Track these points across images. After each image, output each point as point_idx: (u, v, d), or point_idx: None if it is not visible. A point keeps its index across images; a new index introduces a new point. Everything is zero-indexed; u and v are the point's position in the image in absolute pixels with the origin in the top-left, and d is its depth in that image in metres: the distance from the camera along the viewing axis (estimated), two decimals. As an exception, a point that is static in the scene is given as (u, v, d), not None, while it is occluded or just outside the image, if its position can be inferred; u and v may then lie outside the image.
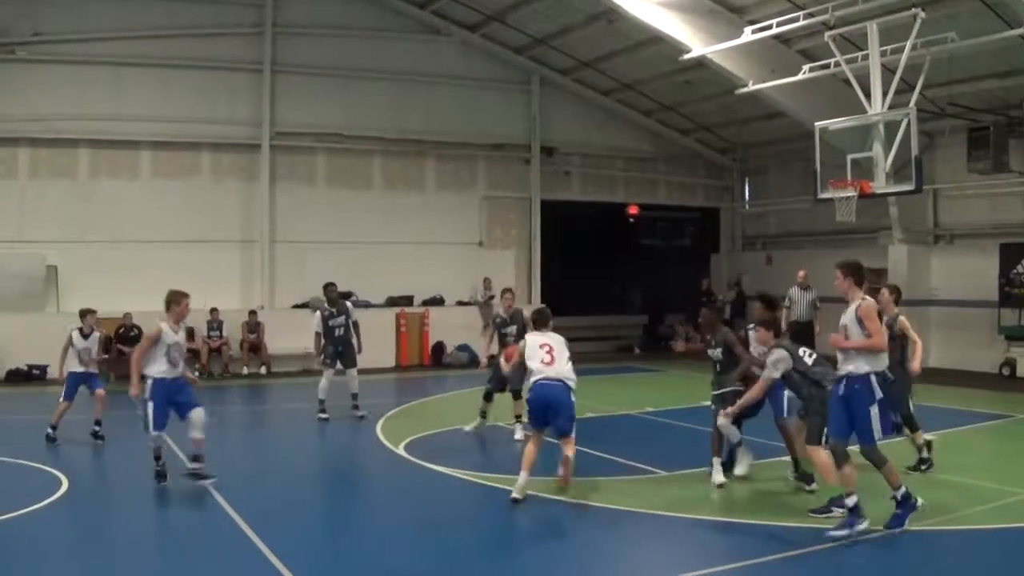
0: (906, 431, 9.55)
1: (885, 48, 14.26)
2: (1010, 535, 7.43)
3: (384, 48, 21.48)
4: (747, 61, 17.69)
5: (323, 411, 13.22)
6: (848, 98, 15.15)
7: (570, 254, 24.73)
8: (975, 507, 8.13)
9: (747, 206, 25.93)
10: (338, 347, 13.51)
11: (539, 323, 9.26)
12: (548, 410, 8.62)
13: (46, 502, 8.37)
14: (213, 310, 19.03)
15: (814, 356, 8.30)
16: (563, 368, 8.73)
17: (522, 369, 9.22)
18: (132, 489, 9.03)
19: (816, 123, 15.38)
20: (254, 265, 20.37)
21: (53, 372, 12.69)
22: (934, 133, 18.85)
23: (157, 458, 8.98)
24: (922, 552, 6.92)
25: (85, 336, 11.62)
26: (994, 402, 14.68)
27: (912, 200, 18.01)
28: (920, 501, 7.24)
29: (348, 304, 13.97)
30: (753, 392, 8.34)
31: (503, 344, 11.75)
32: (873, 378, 7.10)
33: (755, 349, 9.15)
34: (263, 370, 19.48)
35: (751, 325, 9.56)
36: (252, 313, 19.59)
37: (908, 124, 13.68)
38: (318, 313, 13.72)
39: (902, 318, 9.71)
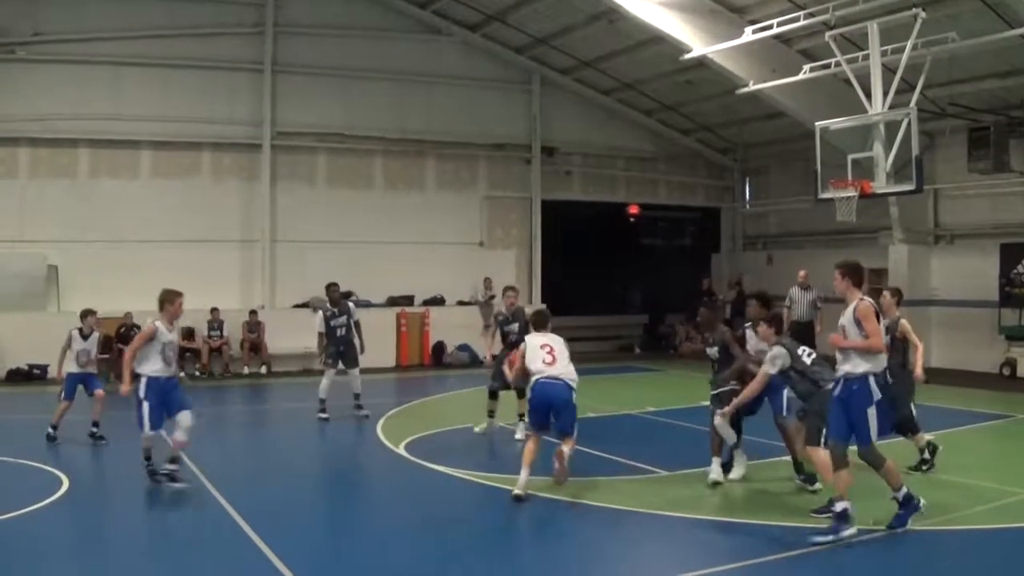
0: (909, 435, 9.54)
1: (886, 48, 14.25)
2: (1010, 535, 7.42)
3: (385, 48, 21.48)
4: (748, 61, 17.69)
5: (323, 411, 13.20)
6: (849, 98, 15.15)
7: (571, 254, 24.75)
8: (975, 507, 8.13)
9: (748, 206, 25.92)
10: (340, 347, 13.50)
11: (538, 324, 9.40)
12: (550, 408, 8.72)
13: (47, 502, 8.37)
14: (214, 310, 19.05)
15: (813, 356, 8.30)
16: (565, 368, 8.82)
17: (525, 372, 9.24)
18: (132, 489, 9.01)
19: (817, 123, 15.37)
20: (255, 265, 20.37)
21: (53, 372, 12.65)
22: (935, 133, 18.84)
23: (148, 458, 8.91)
24: (922, 552, 6.92)
25: (85, 337, 11.61)
26: (995, 402, 14.67)
27: (913, 200, 18.01)
28: (922, 502, 7.20)
29: (350, 304, 13.95)
30: (750, 388, 8.33)
31: (506, 341, 11.81)
32: (871, 379, 7.06)
33: (752, 347, 9.16)
34: (263, 370, 19.49)
35: (748, 323, 9.56)
36: (253, 313, 19.59)
37: (909, 124, 13.68)
38: (320, 313, 13.70)
39: (903, 321, 9.70)
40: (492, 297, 21.21)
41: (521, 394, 11.31)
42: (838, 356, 7.27)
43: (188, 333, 19.00)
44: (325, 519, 8.48)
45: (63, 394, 11.44)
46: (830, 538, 6.92)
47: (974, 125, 17.86)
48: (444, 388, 17.88)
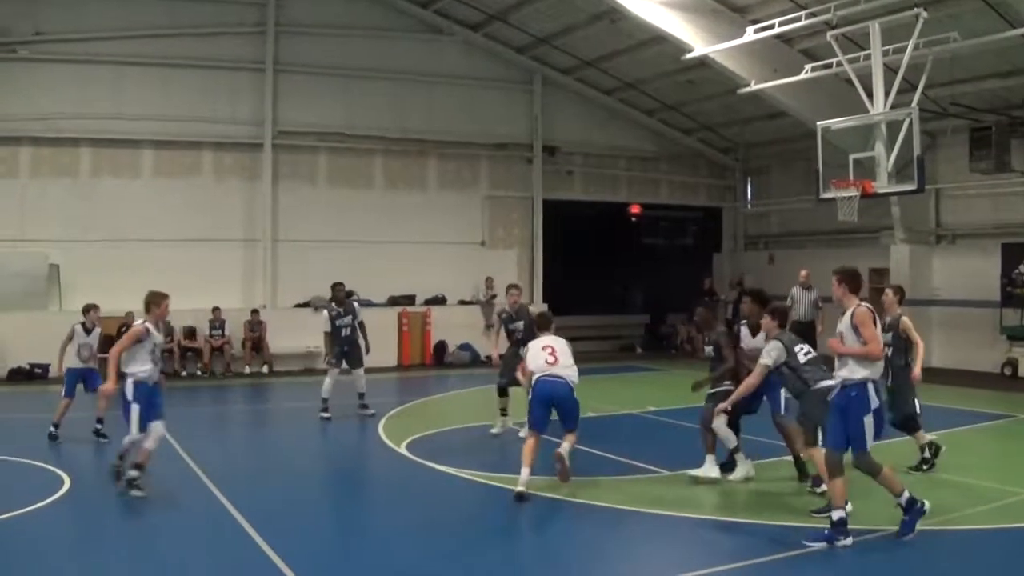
0: (912, 433, 9.55)
1: (887, 48, 14.24)
2: (1011, 535, 7.42)
3: (386, 47, 21.49)
4: (749, 61, 17.69)
5: (325, 410, 13.19)
6: (850, 98, 15.14)
7: (572, 254, 24.73)
8: (976, 507, 8.13)
9: (749, 206, 25.92)
10: (344, 347, 13.49)
11: (541, 326, 9.61)
12: (552, 406, 8.85)
13: (48, 501, 8.37)
14: (215, 309, 19.07)
15: (810, 355, 8.25)
16: (566, 368, 8.94)
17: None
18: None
19: (818, 123, 15.37)
20: (256, 264, 20.39)
21: (54, 367, 12.61)
22: (936, 133, 18.83)
23: (121, 457, 8.81)
24: (922, 552, 6.91)
25: (88, 331, 11.65)
26: (996, 402, 14.66)
27: (914, 200, 18.00)
28: (927, 504, 7.11)
29: (355, 304, 13.92)
30: (747, 382, 8.30)
31: (511, 339, 11.87)
32: (870, 386, 6.98)
33: (747, 345, 9.16)
34: (265, 369, 19.49)
35: (743, 321, 9.57)
36: (254, 312, 19.59)
37: (910, 124, 13.67)
38: (325, 312, 13.68)
39: (904, 318, 9.70)
40: (493, 296, 21.24)
41: None
42: (836, 361, 7.23)
43: (190, 332, 19.06)
44: (326, 518, 8.47)
45: (64, 391, 11.44)
46: (822, 545, 6.90)
47: (976, 125, 17.84)
48: (445, 388, 17.89)
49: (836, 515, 6.98)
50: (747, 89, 17.91)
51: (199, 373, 18.84)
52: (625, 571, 6.77)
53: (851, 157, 14.47)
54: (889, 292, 10.03)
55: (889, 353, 9.21)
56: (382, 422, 12.82)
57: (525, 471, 8.45)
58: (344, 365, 13.52)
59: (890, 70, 14.32)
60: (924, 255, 19.83)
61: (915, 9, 13.59)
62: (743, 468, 9.13)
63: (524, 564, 7.15)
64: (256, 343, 19.48)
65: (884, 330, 9.36)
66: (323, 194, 21.06)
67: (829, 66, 15.83)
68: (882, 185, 14.21)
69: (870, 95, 14.44)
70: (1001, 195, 18.45)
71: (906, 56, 13.94)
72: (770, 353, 8.16)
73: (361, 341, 13.60)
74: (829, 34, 14.97)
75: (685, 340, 23.78)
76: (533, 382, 8.97)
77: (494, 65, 22.71)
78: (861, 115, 14.52)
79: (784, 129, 21.38)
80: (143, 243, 18.81)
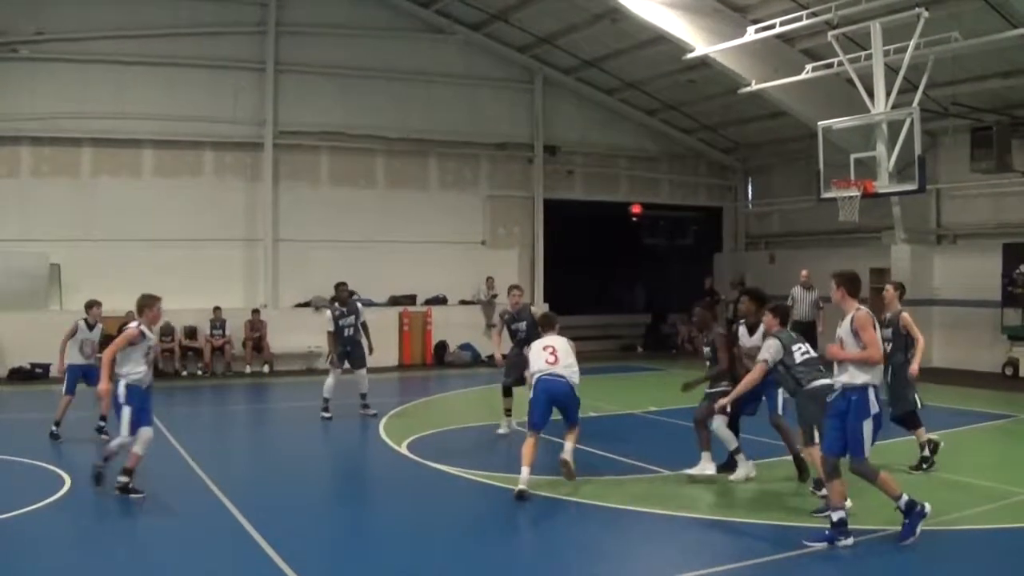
0: (911, 429, 9.55)
1: (888, 48, 14.24)
2: (1012, 535, 7.41)
3: (387, 47, 21.49)
4: (750, 60, 17.69)
5: (326, 410, 13.17)
6: (851, 98, 15.15)
7: (573, 253, 24.73)
8: (977, 507, 8.12)
9: (750, 205, 25.92)
10: (347, 347, 13.46)
11: (545, 326, 9.65)
12: (552, 404, 8.93)
13: (48, 501, 8.37)
14: (216, 309, 19.08)
15: (807, 356, 8.22)
16: (566, 368, 9.00)
17: None
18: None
19: (819, 123, 15.38)
20: (257, 264, 20.40)
21: (55, 365, 12.56)
22: (937, 133, 18.82)
23: (105, 459, 8.78)
24: (923, 552, 6.90)
25: (90, 327, 11.67)
26: (997, 402, 14.65)
27: (915, 200, 17.99)
28: (927, 507, 7.05)
29: (359, 304, 13.88)
30: (752, 376, 8.28)
31: (514, 340, 11.87)
32: (871, 391, 6.94)
33: (745, 344, 9.16)
34: (266, 369, 19.50)
35: (741, 320, 9.57)
36: (255, 312, 19.60)
37: (911, 124, 13.68)
38: (329, 312, 13.66)
39: (905, 314, 9.71)
40: (494, 296, 21.23)
41: None
42: (835, 367, 7.20)
43: (191, 332, 19.06)
44: (327, 518, 8.45)
45: (65, 388, 11.44)
46: (824, 545, 6.90)
47: (977, 125, 17.84)
48: (446, 387, 17.89)
49: (836, 516, 6.98)
50: (748, 89, 17.91)
51: (200, 373, 18.85)
52: (625, 571, 6.76)
53: (852, 157, 14.48)
54: (890, 288, 10.06)
55: (888, 348, 9.22)
56: (383, 422, 12.82)
57: (525, 470, 8.46)
58: (346, 365, 13.51)
59: (891, 70, 14.32)
60: (925, 255, 19.81)
61: (916, 9, 13.59)
62: (744, 468, 9.12)
63: (524, 564, 7.14)
64: (257, 343, 19.47)
65: (884, 325, 9.40)
66: (324, 194, 21.07)
67: (830, 66, 15.83)
68: (883, 185, 14.22)
69: (871, 95, 14.45)
70: (1002, 195, 18.45)
71: (907, 56, 13.94)
72: (768, 349, 8.17)
73: (364, 341, 13.58)
74: (830, 34, 14.97)
75: (686, 340, 23.71)
76: (534, 381, 9.03)
77: (495, 65, 22.71)
78: (862, 115, 14.53)
79: (785, 129, 21.36)
80: (144, 243, 18.82)
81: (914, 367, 9.49)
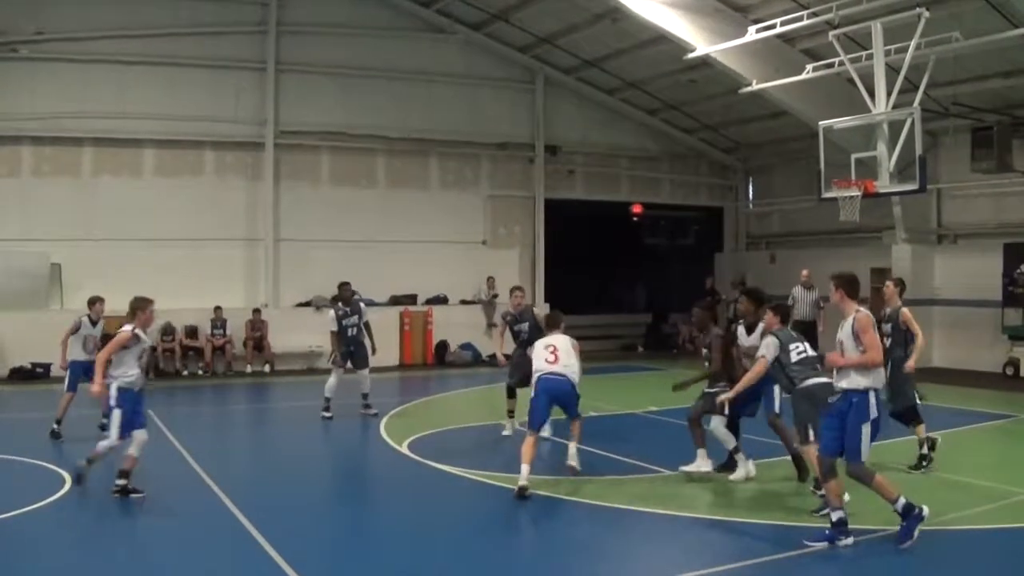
0: (911, 425, 9.56)
1: (889, 47, 14.23)
2: (1012, 535, 7.42)
3: (388, 47, 21.49)
4: (751, 60, 17.68)
5: (327, 409, 13.17)
6: (852, 97, 15.15)
7: (574, 253, 24.73)
8: (977, 507, 8.12)
9: (751, 205, 25.91)
10: (350, 347, 13.44)
11: (550, 325, 9.77)
12: (553, 403, 9.05)
13: (48, 500, 8.37)
14: (217, 308, 19.09)
15: (803, 355, 8.23)
16: (566, 366, 9.07)
17: None
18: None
19: (820, 122, 15.38)
20: (258, 263, 20.40)
21: (56, 368, 12.54)
22: (938, 133, 18.82)
23: (90, 461, 8.75)
24: (922, 552, 6.89)
25: (93, 323, 11.68)
26: (997, 402, 14.65)
27: (916, 200, 17.99)
28: (925, 509, 7.02)
29: (362, 304, 13.86)
30: (756, 369, 8.28)
31: (517, 340, 11.85)
32: (871, 395, 6.92)
33: (743, 343, 9.16)
34: (267, 368, 19.50)
35: (739, 319, 9.58)
36: (256, 311, 19.60)
37: (912, 124, 13.67)
38: (332, 312, 13.65)
39: (904, 310, 9.72)
40: (495, 296, 21.23)
41: None
42: (835, 373, 7.18)
43: (192, 331, 19.07)
44: (328, 518, 8.46)
45: (66, 386, 11.45)
46: (824, 545, 6.89)
47: (977, 125, 17.84)
48: (447, 387, 17.90)
49: (835, 515, 6.98)
50: (749, 89, 17.90)
51: (201, 372, 18.85)
52: (625, 571, 6.77)
53: (853, 157, 14.48)
54: (890, 284, 10.11)
55: (888, 344, 9.23)
56: (384, 421, 12.83)
57: (525, 468, 8.48)
58: (348, 365, 13.50)
59: (892, 70, 14.32)
60: (926, 255, 19.81)
61: (917, 9, 13.59)
62: (743, 468, 9.13)
63: (525, 564, 7.15)
64: (258, 342, 19.48)
65: (884, 321, 9.43)
66: (325, 193, 21.07)
67: (831, 66, 15.82)
68: (884, 185, 14.21)
69: (872, 95, 14.44)
70: (1003, 195, 18.44)
71: (908, 56, 13.93)
72: (767, 347, 8.20)
73: (367, 341, 13.58)
74: (831, 34, 14.96)
75: (687, 340, 23.70)
76: (535, 380, 9.09)
77: (496, 64, 22.70)
78: (863, 115, 14.52)
79: (786, 129, 21.36)
80: (145, 242, 18.82)
81: (911, 363, 9.50)
